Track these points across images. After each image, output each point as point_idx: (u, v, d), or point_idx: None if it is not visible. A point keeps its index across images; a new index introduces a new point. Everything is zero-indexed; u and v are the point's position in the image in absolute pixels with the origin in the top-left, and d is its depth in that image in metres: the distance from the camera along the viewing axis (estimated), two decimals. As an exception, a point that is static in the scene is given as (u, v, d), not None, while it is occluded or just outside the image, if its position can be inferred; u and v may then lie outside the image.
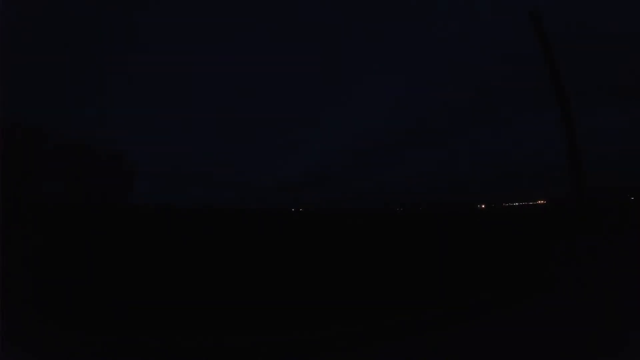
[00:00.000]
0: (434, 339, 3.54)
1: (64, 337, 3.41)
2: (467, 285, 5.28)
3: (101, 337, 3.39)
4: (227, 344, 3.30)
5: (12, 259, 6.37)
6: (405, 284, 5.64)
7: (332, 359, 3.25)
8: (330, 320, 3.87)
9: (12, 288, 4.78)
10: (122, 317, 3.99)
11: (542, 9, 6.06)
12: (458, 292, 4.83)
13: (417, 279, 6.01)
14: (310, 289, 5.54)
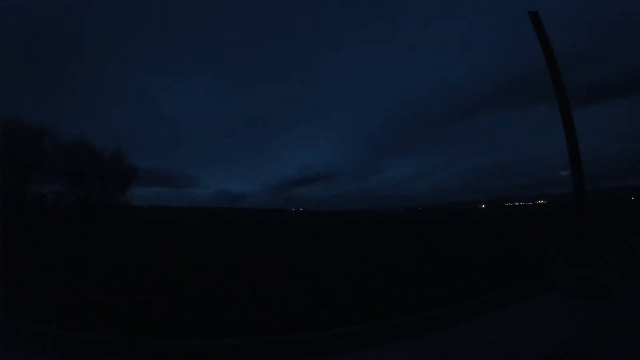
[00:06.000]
0: (434, 339, 3.54)
1: (64, 337, 3.40)
2: (467, 285, 5.27)
3: (102, 336, 3.38)
4: (226, 344, 3.30)
5: (12, 258, 6.37)
6: (403, 284, 5.64)
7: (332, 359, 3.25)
8: (329, 320, 3.86)
9: (11, 287, 4.79)
10: (122, 317, 3.98)
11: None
12: (458, 292, 4.83)
13: (415, 279, 6.00)
14: (308, 288, 5.54)
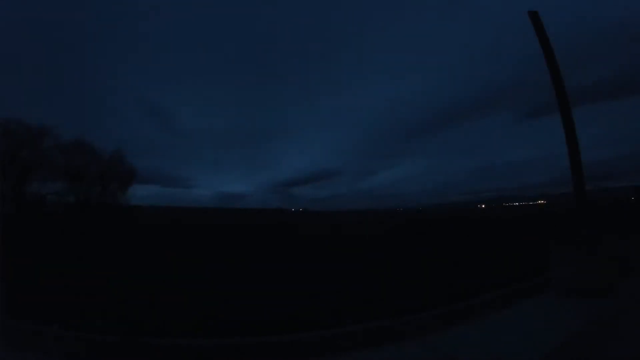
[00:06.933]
0: (434, 339, 3.54)
1: (64, 337, 3.40)
2: (467, 285, 5.27)
3: (102, 336, 3.38)
4: (226, 344, 3.30)
5: (12, 258, 6.37)
6: (403, 284, 5.64)
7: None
8: (329, 320, 3.87)
9: (11, 287, 4.78)
10: (122, 317, 3.98)
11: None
12: (458, 292, 4.83)
13: (415, 279, 6.01)
14: (308, 288, 5.54)
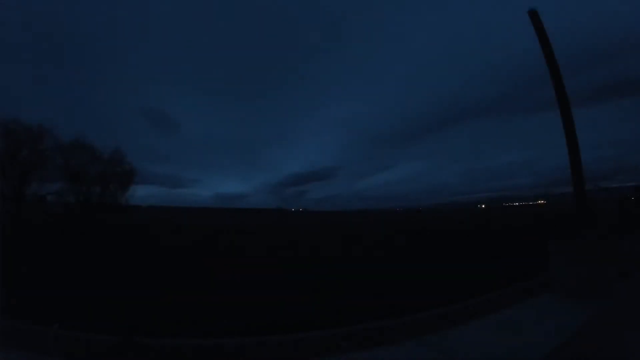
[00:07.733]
0: (434, 339, 3.54)
1: (64, 337, 3.40)
2: (468, 285, 5.27)
3: (102, 336, 3.38)
4: (227, 344, 3.30)
5: (12, 258, 6.37)
6: (403, 283, 5.64)
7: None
8: (329, 320, 3.86)
9: (11, 287, 4.78)
10: (122, 316, 3.98)
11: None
12: (458, 292, 4.83)
13: (415, 278, 6.00)
14: (309, 288, 5.54)
